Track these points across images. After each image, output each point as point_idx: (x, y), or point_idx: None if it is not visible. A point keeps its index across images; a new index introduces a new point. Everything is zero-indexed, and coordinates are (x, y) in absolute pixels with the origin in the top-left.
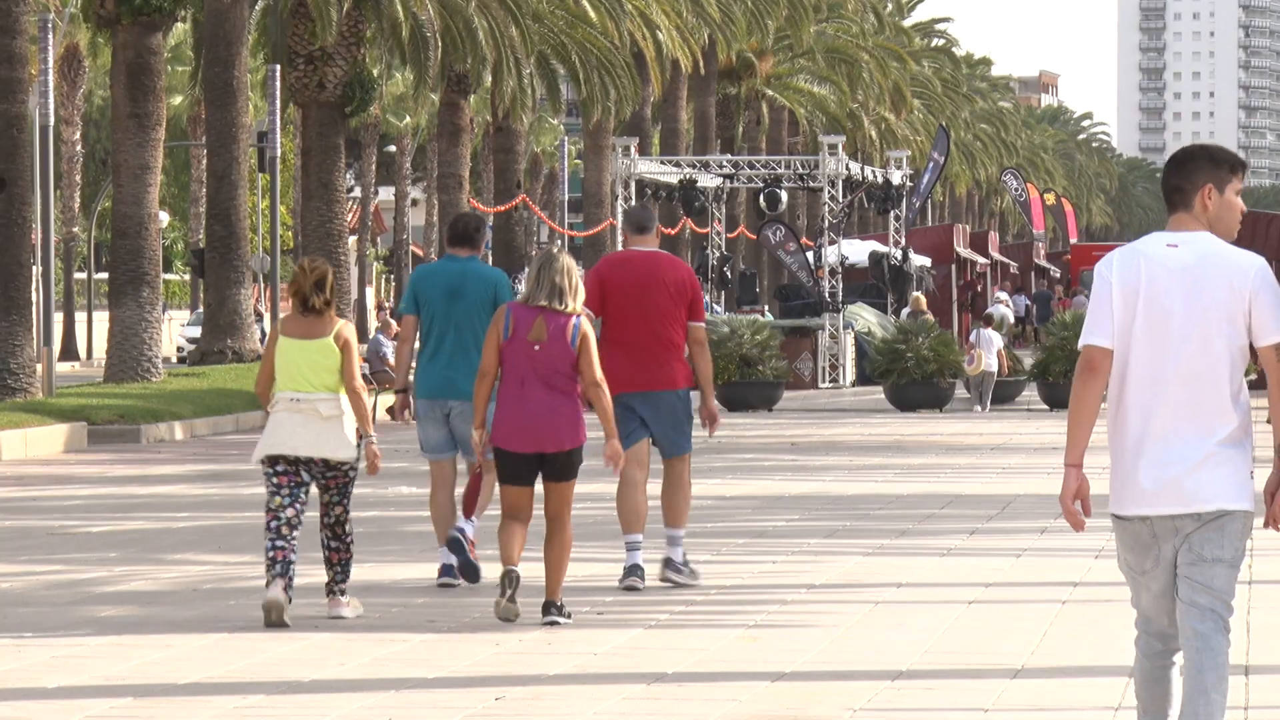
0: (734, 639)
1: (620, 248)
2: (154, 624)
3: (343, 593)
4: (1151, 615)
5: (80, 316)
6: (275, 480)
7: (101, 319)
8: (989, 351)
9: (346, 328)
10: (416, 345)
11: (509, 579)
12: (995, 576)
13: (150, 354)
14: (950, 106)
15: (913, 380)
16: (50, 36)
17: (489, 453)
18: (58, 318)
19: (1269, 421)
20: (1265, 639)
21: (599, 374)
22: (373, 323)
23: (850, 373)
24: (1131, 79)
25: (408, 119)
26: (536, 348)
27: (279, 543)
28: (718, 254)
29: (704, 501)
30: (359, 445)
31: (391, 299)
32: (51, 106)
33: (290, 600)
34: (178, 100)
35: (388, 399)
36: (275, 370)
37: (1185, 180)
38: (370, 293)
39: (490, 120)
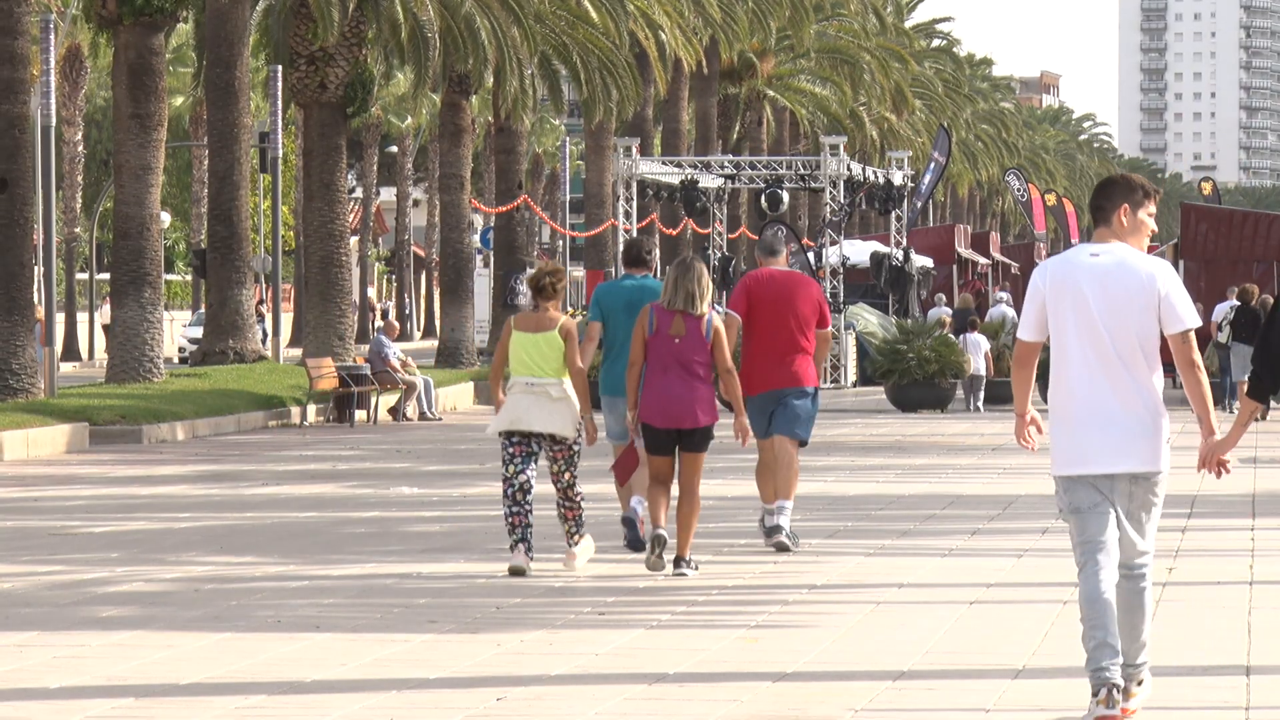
0: (735, 639)
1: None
2: (156, 624)
3: (576, 544)
4: (1099, 538)
5: (82, 317)
6: (510, 450)
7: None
8: (976, 355)
9: (569, 322)
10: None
11: (657, 540)
12: (997, 577)
13: (152, 354)
14: (951, 107)
15: (914, 381)
16: (52, 37)
17: (639, 432)
18: (59, 318)
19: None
20: (1265, 639)
21: (730, 362)
22: (380, 322)
23: (851, 373)
24: (1133, 79)
25: (409, 119)
26: (676, 340)
27: (514, 508)
28: (719, 254)
29: (706, 502)
30: (579, 424)
31: (392, 299)
32: (53, 107)
33: (532, 558)
34: (179, 101)
35: (388, 399)
36: (510, 359)
37: (1106, 200)
38: (371, 293)
39: (492, 121)
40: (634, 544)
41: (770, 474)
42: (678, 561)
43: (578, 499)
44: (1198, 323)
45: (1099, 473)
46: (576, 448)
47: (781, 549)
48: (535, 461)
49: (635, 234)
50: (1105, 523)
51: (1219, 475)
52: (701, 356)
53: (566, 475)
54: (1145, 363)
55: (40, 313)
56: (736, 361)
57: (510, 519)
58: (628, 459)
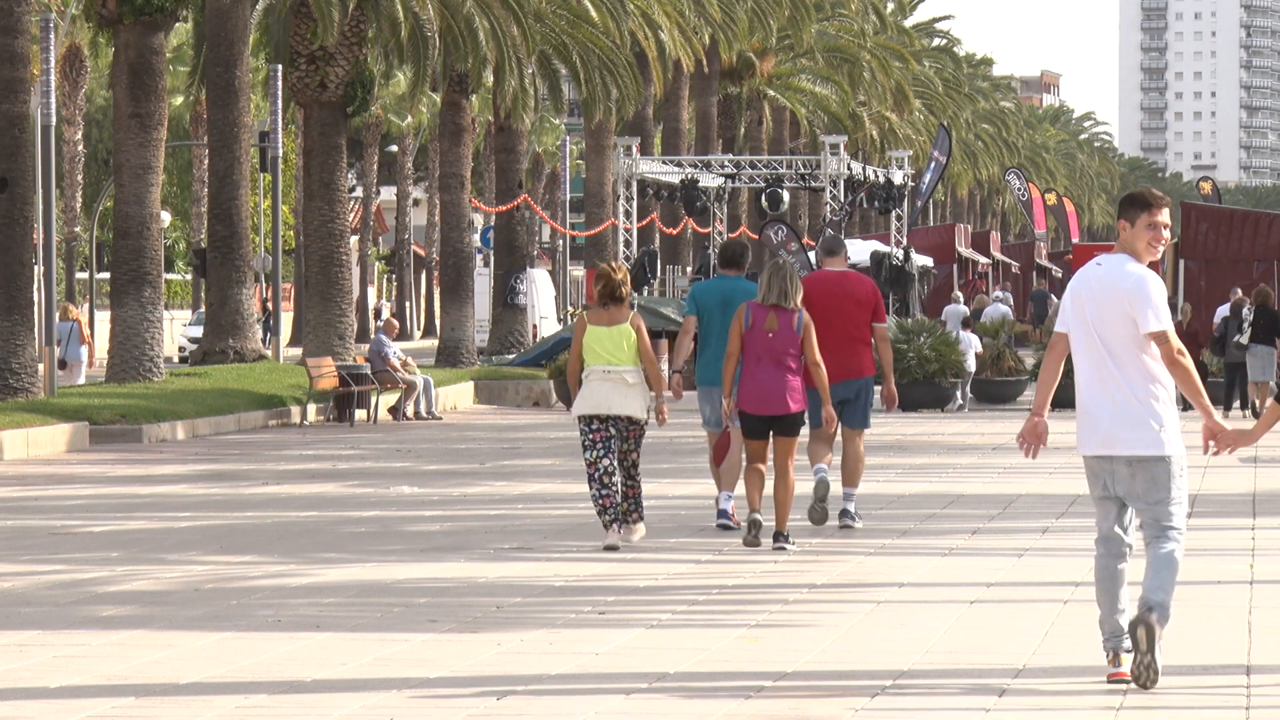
0: (735, 639)
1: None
2: (156, 624)
3: (634, 521)
4: (1105, 531)
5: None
6: (590, 436)
7: (103, 319)
8: (968, 352)
9: (638, 317)
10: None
11: (753, 524)
12: (997, 576)
13: (152, 354)
14: (952, 106)
15: (914, 380)
16: (52, 36)
17: (735, 417)
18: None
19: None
20: (1265, 638)
21: (818, 356)
22: (373, 322)
23: None
24: (1133, 79)
25: (409, 119)
26: (770, 335)
27: (602, 491)
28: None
29: (706, 502)
30: (651, 405)
31: (393, 299)
32: (53, 106)
33: (622, 535)
34: (179, 100)
35: (388, 398)
36: (585, 350)
37: (1119, 216)
38: (371, 292)
39: (492, 120)
40: (725, 526)
41: (826, 443)
42: (776, 536)
43: (638, 479)
44: (1166, 326)
45: (1096, 454)
46: (644, 429)
47: (846, 527)
48: (613, 445)
49: (635, 233)
50: (1108, 513)
51: (1219, 454)
52: (793, 349)
53: (633, 455)
54: (1137, 359)
55: (76, 313)
56: None
57: (600, 501)
58: (723, 442)
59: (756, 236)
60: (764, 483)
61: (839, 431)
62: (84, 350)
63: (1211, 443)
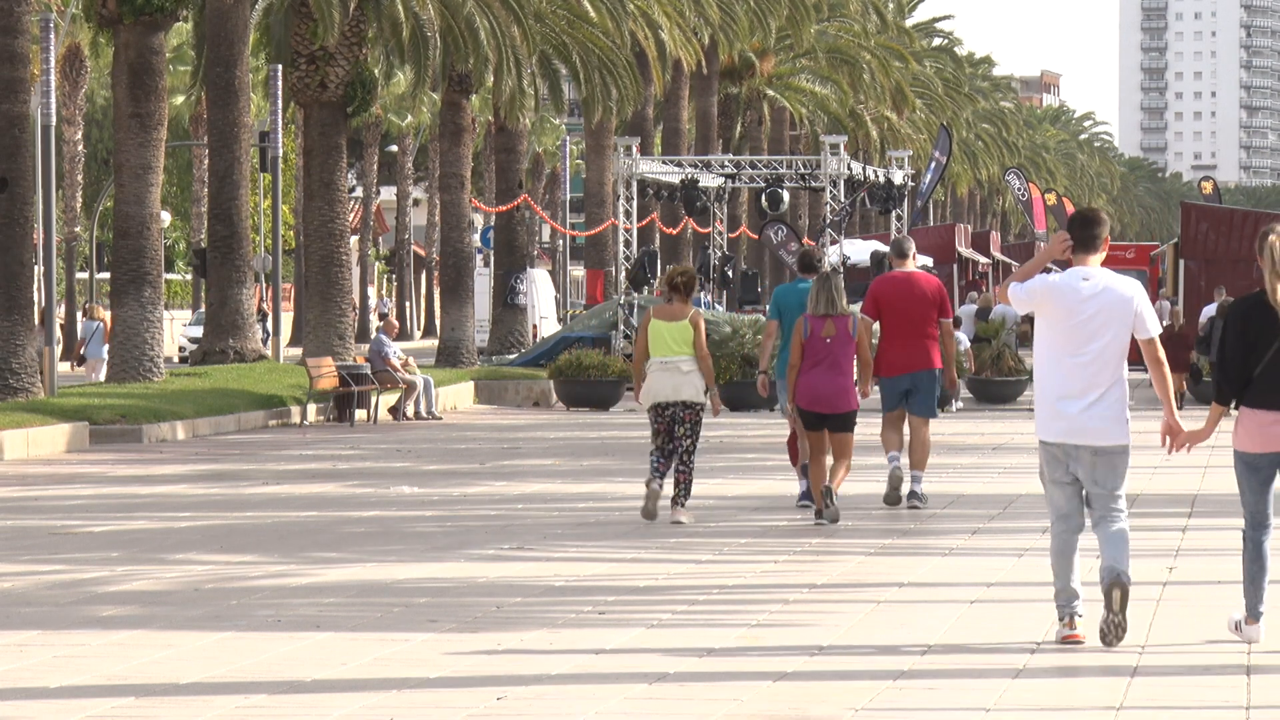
0: (735, 639)
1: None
2: (156, 623)
3: (683, 506)
4: (1065, 510)
5: (81, 316)
6: (656, 425)
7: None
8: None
9: (696, 314)
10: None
11: (826, 492)
12: (997, 576)
13: (152, 354)
14: (952, 106)
15: None
16: (52, 36)
17: (796, 417)
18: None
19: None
20: (1265, 638)
21: (868, 355)
22: (371, 322)
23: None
24: (1133, 79)
25: (409, 118)
26: (829, 340)
27: (659, 458)
28: (719, 254)
29: (705, 501)
30: (706, 393)
31: (392, 298)
32: (53, 106)
33: (661, 490)
34: (180, 100)
35: (388, 398)
36: (650, 343)
37: (1103, 230)
38: (372, 292)
39: (492, 120)
40: (805, 497)
41: (896, 432)
42: (826, 491)
43: (691, 465)
44: (1159, 330)
45: (1072, 443)
46: (701, 414)
47: (914, 508)
48: (675, 430)
49: (635, 233)
50: (1067, 494)
51: (1175, 452)
52: (848, 352)
53: (688, 440)
54: (1119, 361)
55: (101, 313)
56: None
57: (656, 465)
58: (793, 440)
59: (756, 236)
60: (825, 468)
61: (907, 420)
62: (107, 349)
63: (1168, 438)
